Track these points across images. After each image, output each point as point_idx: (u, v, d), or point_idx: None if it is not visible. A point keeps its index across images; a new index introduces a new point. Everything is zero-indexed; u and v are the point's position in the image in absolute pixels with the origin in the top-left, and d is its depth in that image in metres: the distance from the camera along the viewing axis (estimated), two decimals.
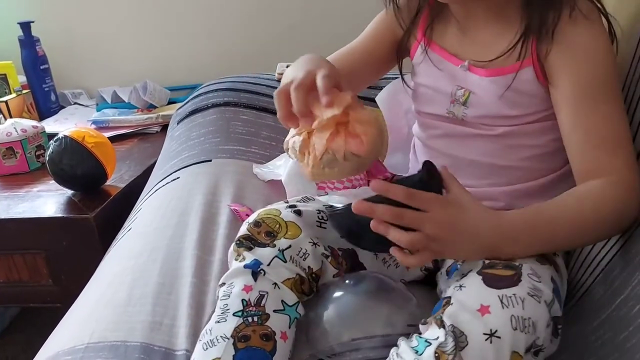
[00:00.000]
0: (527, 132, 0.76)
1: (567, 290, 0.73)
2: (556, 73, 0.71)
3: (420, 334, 0.60)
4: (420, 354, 0.57)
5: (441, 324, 0.57)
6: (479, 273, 0.60)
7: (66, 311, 0.88)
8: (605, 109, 0.69)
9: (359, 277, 0.73)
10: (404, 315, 0.68)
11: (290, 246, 0.70)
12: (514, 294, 0.56)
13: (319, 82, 0.63)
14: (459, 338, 0.55)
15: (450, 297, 0.59)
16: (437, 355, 0.55)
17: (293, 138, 0.66)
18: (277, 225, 0.72)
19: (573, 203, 0.67)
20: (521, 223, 0.65)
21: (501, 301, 0.56)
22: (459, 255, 0.66)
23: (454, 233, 0.62)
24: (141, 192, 1.18)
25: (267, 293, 0.67)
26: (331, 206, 0.77)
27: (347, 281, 0.72)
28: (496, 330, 0.55)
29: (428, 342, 0.57)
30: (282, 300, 0.68)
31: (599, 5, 0.71)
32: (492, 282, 0.58)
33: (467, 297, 0.58)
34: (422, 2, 0.82)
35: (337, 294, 0.69)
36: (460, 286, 0.60)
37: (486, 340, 0.55)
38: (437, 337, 0.56)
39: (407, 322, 0.66)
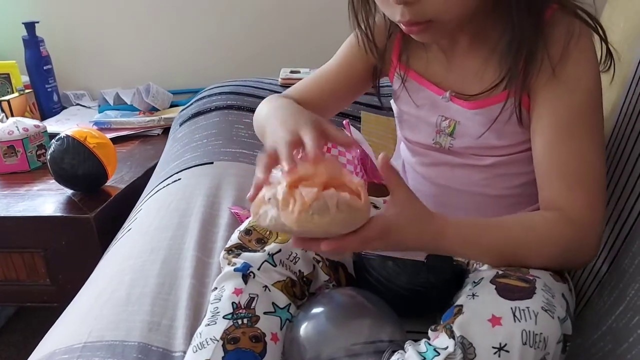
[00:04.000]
0: (517, 160, 0.74)
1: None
2: (539, 101, 0.69)
3: (428, 339, 0.60)
4: None
5: (451, 334, 0.56)
6: (492, 282, 0.59)
7: (63, 311, 0.88)
8: (578, 145, 0.67)
9: (336, 293, 0.72)
10: (385, 330, 0.66)
11: (280, 250, 0.70)
12: (527, 307, 0.55)
13: (308, 145, 0.61)
14: (467, 350, 0.55)
15: (462, 306, 0.58)
16: None
17: (271, 190, 0.57)
18: (268, 232, 0.72)
19: (518, 227, 0.65)
20: (459, 237, 0.64)
21: (514, 314, 0.55)
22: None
23: (396, 245, 0.62)
24: (141, 193, 1.18)
25: (257, 295, 0.67)
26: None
27: (323, 297, 0.70)
28: (505, 344, 0.54)
29: (437, 352, 0.56)
30: (273, 303, 0.68)
31: (600, 32, 0.69)
32: (505, 292, 0.58)
33: (479, 306, 0.57)
34: (392, 27, 0.79)
35: (315, 310, 0.68)
36: (474, 295, 0.59)
37: (494, 353, 0.54)
38: (447, 347, 0.56)
39: (388, 337, 0.65)
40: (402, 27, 0.68)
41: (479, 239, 0.65)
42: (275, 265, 0.69)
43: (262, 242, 0.71)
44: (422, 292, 0.70)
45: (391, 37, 0.80)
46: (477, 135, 0.73)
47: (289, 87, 1.35)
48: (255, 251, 0.70)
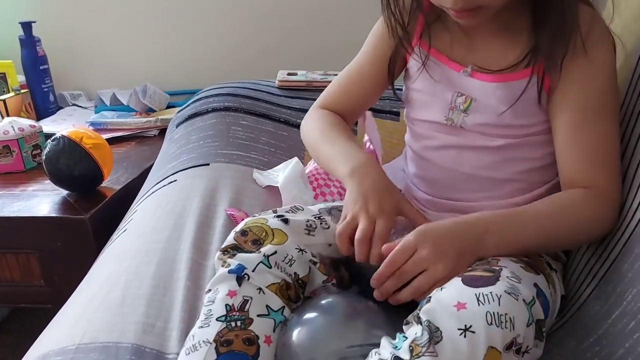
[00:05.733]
0: (526, 144, 0.76)
1: (563, 305, 0.74)
2: (565, 80, 0.72)
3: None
4: (398, 349, 0.57)
5: (418, 320, 0.58)
6: (459, 275, 0.62)
7: (57, 312, 0.87)
8: (603, 126, 0.72)
9: (328, 298, 0.71)
10: (378, 334, 0.65)
11: (275, 252, 0.70)
12: (490, 292, 0.57)
13: (377, 235, 0.70)
14: (434, 333, 0.56)
15: (430, 297, 0.60)
16: (411, 348, 0.56)
17: None
18: (264, 233, 0.72)
19: (551, 207, 0.71)
20: (496, 216, 0.70)
21: (477, 299, 0.57)
22: (456, 255, 0.67)
23: (442, 248, 0.66)
24: (137, 194, 1.17)
25: (251, 298, 0.67)
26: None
27: (315, 303, 0.70)
28: (471, 326, 0.55)
29: (406, 337, 0.58)
30: (267, 305, 0.67)
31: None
32: (470, 281, 0.60)
33: (445, 295, 0.59)
34: (414, 6, 0.81)
35: (307, 315, 0.67)
36: (441, 288, 0.61)
37: (460, 334, 0.55)
38: (415, 333, 0.57)
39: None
40: (451, 13, 0.72)
41: (521, 232, 0.69)
42: (270, 267, 0.69)
43: (257, 243, 0.71)
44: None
45: (414, 17, 0.82)
46: (494, 111, 0.76)
47: (286, 89, 1.37)
48: (250, 252, 0.70)
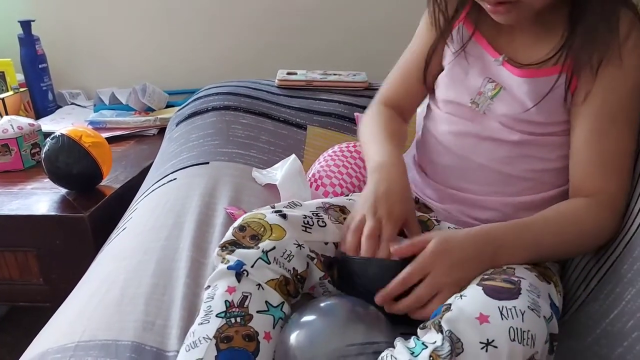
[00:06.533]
0: (542, 144, 0.77)
1: (562, 305, 0.73)
2: (594, 84, 0.72)
3: (418, 337, 0.60)
4: (416, 356, 0.56)
5: (439, 329, 0.57)
6: (478, 284, 0.61)
7: (55, 311, 0.87)
8: (620, 134, 0.72)
9: (326, 299, 0.71)
10: (377, 334, 0.65)
11: (274, 247, 0.70)
12: (514, 306, 0.56)
13: (383, 239, 0.71)
14: (456, 344, 0.55)
15: (450, 305, 0.59)
16: (432, 358, 0.55)
17: None
18: (262, 229, 0.72)
19: (558, 218, 0.71)
20: (507, 231, 0.70)
21: (501, 312, 0.56)
22: (468, 277, 0.66)
23: (457, 272, 0.66)
24: (136, 193, 1.17)
25: (251, 294, 0.67)
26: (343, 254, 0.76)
27: (313, 304, 0.70)
28: (493, 340, 0.54)
29: (425, 345, 0.57)
30: (266, 301, 0.67)
31: None
32: (492, 293, 0.59)
33: (467, 305, 0.58)
34: None
35: (305, 318, 0.67)
36: (461, 295, 0.60)
37: (482, 348, 0.54)
38: (435, 342, 0.56)
39: (383, 339, 0.64)
40: (487, 6, 0.73)
41: (536, 241, 0.70)
42: (269, 263, 0.69)
43: (256, 238, 0.71)
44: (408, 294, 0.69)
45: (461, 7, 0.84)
46: (520, 104, 0.76)
47: (286, 88, 1.37)
48: (249, 248, 0.70)
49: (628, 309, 0.63)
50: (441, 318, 0.58)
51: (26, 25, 1.66)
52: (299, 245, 0.72)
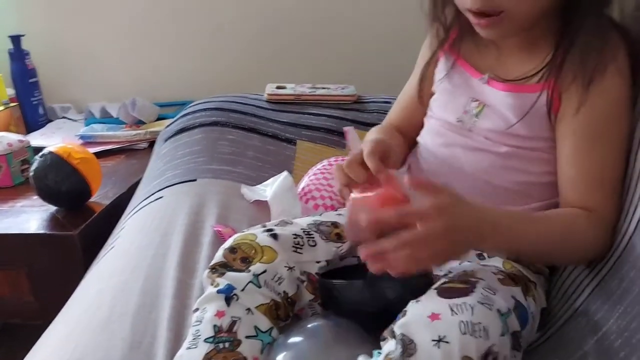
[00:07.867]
0: (528, 158, 0.77)
1: (545, 318, 0.74)
2: (571, 104, 0.72)
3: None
4: None
5: (393, 335, 0.58)
6: (435, 288, 0.62)
7: (46, 328, 0.87)
8: (606, 151, 0.72)
9: (312, 321, 0.71)
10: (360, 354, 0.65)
11: (265, 271, 0.70)
12: (463, 302, 0.58)
13: (367, 162, 0.70)
14: (408, 345, 0.56)
15: (406, 310, 0.60)
16: None
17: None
18: (253, 251, 0.72)
19: (546, 220, 0.71)
20: (511, 228, 0.67)
21: (451, 309, 0.57)
22: (450, 250, 0.63)
23: (456, 235, 0.62)
24: (125, 209, 1.17)
25: (240, 319, 0.67)
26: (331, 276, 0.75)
27: (299, 327, 0.70)
28: (445, 336, 0.55)
29: (379, 353, 0.58)
30: (255, 326, 0.67)
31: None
32: (445, 293, 0.60)
33: (420, 307, 0.59)
34: (453, 19, 0.84)
35: (292, 340, 0.67)
36: (417, 300, 0.61)
37: (434, 345, 0.55)
38: (390, 348, 0.57)
39: None
40: (471, 18, 0.73)
41: (527, 231, 0.68)
42: (260, 287, 0.69)
43: (247, 261, 0.71)
44: (392, 308, 0.69)
45: (451, 25, 0.85)
46: (504, 120, 0.77)
47: (275, 102, 1.37)
48: (239, 271, 0.70)
49: (617, 327, 0.63)
50: (394, 324, 0.59)
51: (16, 40, 1.66)
52: (290, 267, 0.72)
